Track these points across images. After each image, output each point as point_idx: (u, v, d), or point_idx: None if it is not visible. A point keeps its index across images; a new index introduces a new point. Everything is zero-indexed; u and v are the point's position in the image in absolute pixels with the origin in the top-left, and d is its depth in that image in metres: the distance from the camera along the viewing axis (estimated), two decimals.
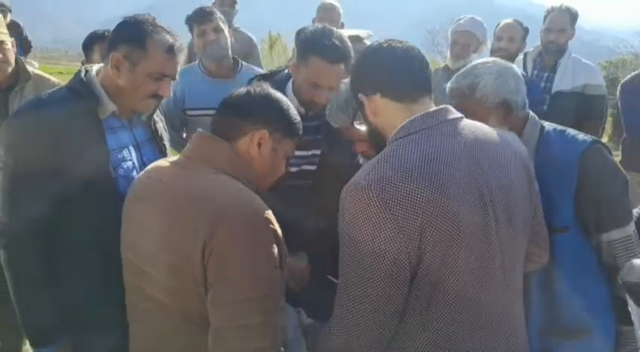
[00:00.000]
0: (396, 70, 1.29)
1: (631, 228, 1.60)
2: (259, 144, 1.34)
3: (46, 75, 2.67)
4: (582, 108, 3.14)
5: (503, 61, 1.69)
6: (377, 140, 1.35)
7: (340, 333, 1.22)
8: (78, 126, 1.52)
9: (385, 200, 1.14)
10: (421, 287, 1.19)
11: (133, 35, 1.53)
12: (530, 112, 1.68)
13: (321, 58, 1.79)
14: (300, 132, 1.43)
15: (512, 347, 1.30)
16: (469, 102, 1.57)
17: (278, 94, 1.41)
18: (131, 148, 1.66)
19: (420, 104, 1.28)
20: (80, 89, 1.58)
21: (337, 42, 1.80)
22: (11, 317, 2.10)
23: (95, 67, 1.65)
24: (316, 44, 1.81)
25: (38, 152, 1.48)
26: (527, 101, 1.66)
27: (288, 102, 1.41)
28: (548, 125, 1.69)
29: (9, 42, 2.43)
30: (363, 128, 1.46)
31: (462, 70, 1.67)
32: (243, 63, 2.92)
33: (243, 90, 1.39)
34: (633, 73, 3.33)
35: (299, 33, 1.93)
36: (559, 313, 1.63)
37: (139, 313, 1.39)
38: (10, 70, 2.44)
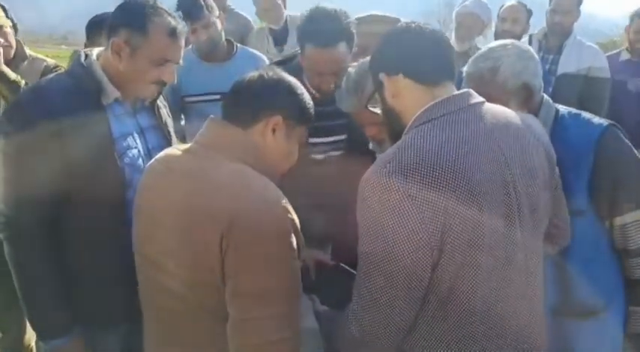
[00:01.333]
0: (422, 52, 1.25)
1: None
2: (273, 131, 1.30)
3: (41, 56, 2.61)
4: (587, 90, 3.12)
5: (521, 44, 1.65)
6: (393, 124, 1.30)
7: (358, 323, 1.20)
8: (81, 115, 1.45)
9: (407, 189, 1.09)
10: (438, 289, 1.15)
11: (132, 19, 1.46)
12: (545, 96, 1.65)
13: (314, 45, 1.74)
14: (313, 117, 1.38)
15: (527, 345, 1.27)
16: (489, 86, 1.52)
17: (291, 79, 1.35)
18: (135, 135, 1.60)
19: (443, 89, 1.24)
20: (81, 75, 1.51)
21: (329, 23, 1.72)
22: (12, 306, 2.14)
23: (95, 51, 1.58)
24: (307, 32, 1.76)
25: (41, 142, 1.42)
26: (542, 84, 1.63)
27: (302, 88, 1.36)
28: (563, 109, 1.67)
29: (8, 25, 2.39)
30: (377, 111, 1.40)
31: (478, 54, 1.62)
32: (239, 45, 2.83)
33: (255, 74, 1.33)
34: None
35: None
36: (573, 294, 1.64)
37: (155, 305, 1.36)
38: (13, 53, 2.39)
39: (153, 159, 1.37)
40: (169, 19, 1.48)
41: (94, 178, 1.45)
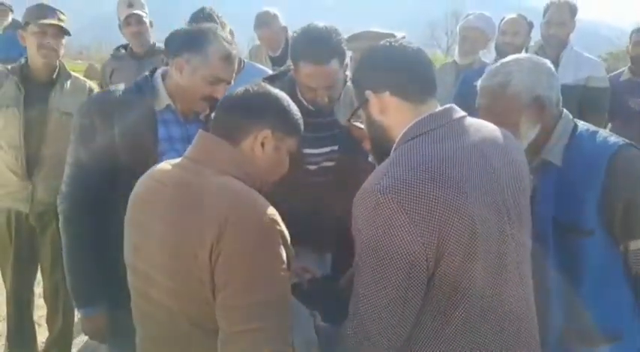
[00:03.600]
0: (408, 69, 1.30)
1: None
2: (262, 144, 1.33)
3: (81, 77, 2.80)
4: (586, 101, 3.13)
5: (536, 57, 1.67)
6: (379, 138, 1.35)
7: (356, 334, 1.22)
8: (133, 114, 1.72)
9: (401, 203, 1.14)
10: (439, 290, 1.20)
11: (195, 43, 1.70)
12: (565, 110, 1.65)
13: (308, 63, 1.81)
14: (302, 129, 1.44)
15: (531, 346, 1.32)
16: (501, 100, 1.56)
17: (278, 92, 1.41)
18: (180, 141, 1.80)
19: (427, 105, 1.30)
20: (142, 84, 1.80)
21: (321, 41, 1.80)
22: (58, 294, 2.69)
23: (160, 70, 1.85)
24: (301, 49, 1.83)
25: (98, 133, 1.71)
26: (561, 98, 1.63)
27: (289, 100, 1.42)
28: (582, 125, 1.64)
29: (65, 38, 2.57)
30: (361, 125, 1.46)
31: (491, 67, 1.65)
32: (246, 60, 2.91)
33: (241, 89, 1.39)
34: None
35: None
36: (585, 318, 1.57)
37: (145, 317, 1.38)
38: (57, 61, 2.58)
39: (145, 174, 1.41)
40: (226, 45, 1.71)
41: (134, 171, 1.60)
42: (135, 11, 3.13)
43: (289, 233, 1.26)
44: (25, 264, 2.73)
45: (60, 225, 1.81)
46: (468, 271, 1.19)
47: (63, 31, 2.53)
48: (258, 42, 4.02)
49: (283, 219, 1.25)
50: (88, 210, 1.75)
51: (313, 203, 1.66)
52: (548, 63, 1.64)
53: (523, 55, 1.71)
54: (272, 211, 1.23)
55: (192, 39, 1.72)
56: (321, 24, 1.90)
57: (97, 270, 1.78)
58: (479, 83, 1.64)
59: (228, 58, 1.70)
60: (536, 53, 3.28)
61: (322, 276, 1.87)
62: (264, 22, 3.73)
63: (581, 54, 3.27)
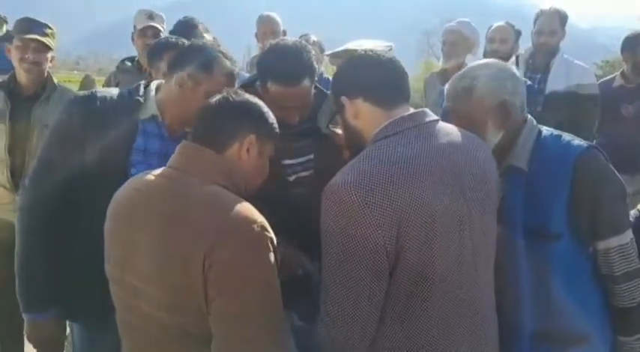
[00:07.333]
0: (379, 77, 1.38)
1: (628, 235, 1.56)
2: (247, 150, 1.35)
3: (70, 87, 2.80)
4: (576, 107, 3.15)
5: (501, 63, 1.68)
6: (354, 141, 1.42)
7: (328, 332, 1.27)
8: (114, 119, 1.69)
9: (364, 197, 1.20)
10: (400, 283, 1.25)
11: (201, 58, 1.69)
12: (529, 116, 1.66)
13: (278, 84, 1.73)
14: (278, 132, 1.46)
15: (486, 339, 1.39)
16: (466, 104, 1.58)
17: (255, 98, 1.44)
18: (157, 156, 1.75)
19: (398, 110, 1.36)
20: (133, 92, 1.76)
21: (291, 61, 1.74)
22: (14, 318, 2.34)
23: (156, 82, 1.83)
24: (271, 69, 1.76)
25: (74, 132, 1.68)
26: (525, 103, 1.64)
27: (264, 105, 1.45)
28: (546, 130, 1.64)
29: (50, 52, 2.57)
30: (338, 131, 1.51)
31: (459, 72, 1.67)
32: (241, 72, 2.94)
33: (220, 99, 1.40)
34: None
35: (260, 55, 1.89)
36: (556, 320, 1.58)
37: (133, 329, 1.37)
38: (43, 74, 2.57)
39: (124, 185, 1.40)
40: (229, 64, 1.72)
41: (101, 177, 1.63)
42: (154, 24, 3.10)
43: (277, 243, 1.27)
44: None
45: (16, 220, 1.74)
46: (428, 263, 1.24)
47: (46, 46, 2.53)
48: (251, 55, 4.06)
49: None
50: (46, 207, 1.69)
51: (296, 215, 1.64)
52: (513, 68, 1.65)
53: (490, 60, 1.68)
54: (260, 218, 1.25)
55: (197, 54, 1.71)
56: (290, 41, 1.84)
57: (48, 273, 1.70)
58: (445, 87, 1.66)
59: (231, 75, 1.72)
60: (527, 61, 3.33)
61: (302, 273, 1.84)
62: (267, 17, 3.78)
63: (571, 61, 3.31)
